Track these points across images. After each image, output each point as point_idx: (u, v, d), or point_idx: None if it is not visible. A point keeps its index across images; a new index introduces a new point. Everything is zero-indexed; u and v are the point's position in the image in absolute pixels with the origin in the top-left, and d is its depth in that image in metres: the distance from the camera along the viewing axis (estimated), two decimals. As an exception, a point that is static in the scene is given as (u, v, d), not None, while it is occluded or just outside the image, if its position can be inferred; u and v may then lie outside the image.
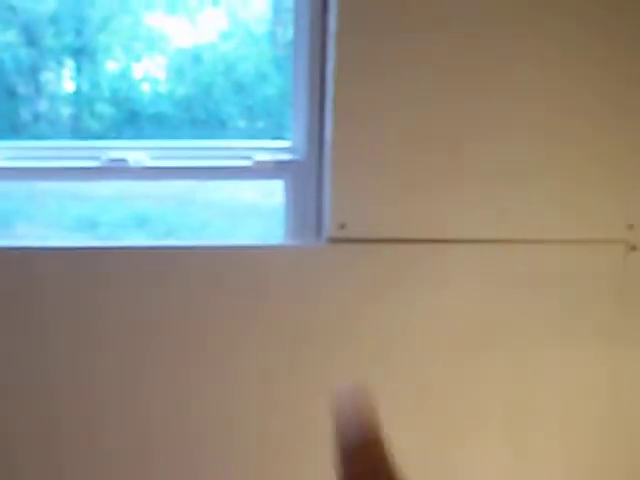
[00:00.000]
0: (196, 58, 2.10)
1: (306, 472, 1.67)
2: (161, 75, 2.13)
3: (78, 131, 1.98)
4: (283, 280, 1.58)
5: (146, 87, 2.11)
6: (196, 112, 2.09)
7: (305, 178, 1.61)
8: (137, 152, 1.55)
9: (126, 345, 1.57)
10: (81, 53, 2.06)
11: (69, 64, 2.06)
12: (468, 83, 1.54)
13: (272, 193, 1.85)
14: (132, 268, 1.55)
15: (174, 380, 1.60)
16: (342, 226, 1.57)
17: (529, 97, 1.56)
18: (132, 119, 2.04)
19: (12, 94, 1.98)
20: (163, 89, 2.11)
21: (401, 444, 1.65)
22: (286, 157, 1.61)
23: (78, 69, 2.07)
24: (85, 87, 2.07)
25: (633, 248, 1.63)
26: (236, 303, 1.58)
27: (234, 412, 1.64)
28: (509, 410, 1.70)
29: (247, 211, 2.11)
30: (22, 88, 2.01)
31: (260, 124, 2.11)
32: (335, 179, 1.55)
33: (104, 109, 2.05)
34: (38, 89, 2.04)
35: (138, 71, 2.09)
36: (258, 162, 1.59)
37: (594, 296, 1.65)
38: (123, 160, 1.53)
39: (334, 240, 1.58)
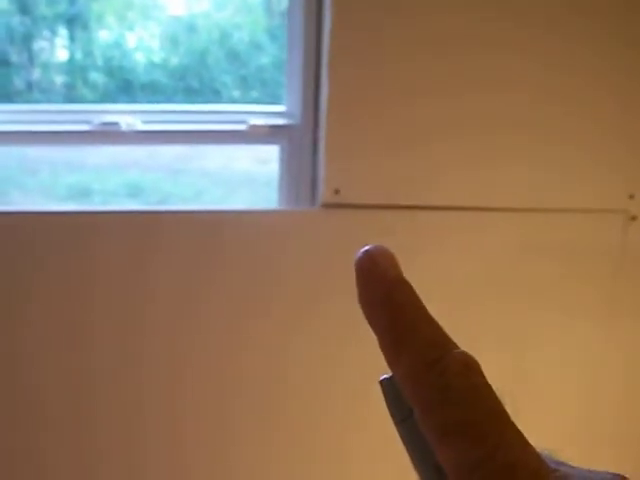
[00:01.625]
0: (190, 27, 2.09)
1: (291, 431, 1.68)
2: (155, 44, 2.12)
3: (72, 100, 1.96)
4: (277, 244, 1.58)
5: (140, 56, 2.09)
6: (190, 81, 2.08)
7: (299, 143, 1.60)
8: (129, 116, 1.54)
9: (120, 308, 1.57)
10: (74, 22, 2.04)
11: (62, 33, 2.05)
12: (466, 43, 1.53)
13: (266, 161, 1.85)
14: (125, 233, 1.54)
15: (169, 344, 1.60)
16: (336, 191, 1.56)
17: (531, 58, 1.55)
18: (126, 88, 2.03)
19: (5, 63, 1.96)
20: (157, 58, 2.10)
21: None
22: (281, 122, 1.60)
23: (71, 38, 2.05)
24: (78, 56, 2.05)
25: (633, 218, 1.63)
26: (230, 268, 1.57)
27: (230, 376, 1.64)
28: (504, 380, 1.69)
29: (241, 179, 2.11)
30: (15, 56, 1.99)
31: (254, 93, 2.10)
32: (329, 145, 1.55)
33: (98, 78, 2.04)
34: (31, 58, 2.03)
35: (132, 40, 2.07)
36: (252, 126, 1.58)
37: (593, 266, 1.64)
38: (115, 124, 1.51)
39: (328, 205, 1.57)
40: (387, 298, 0.29)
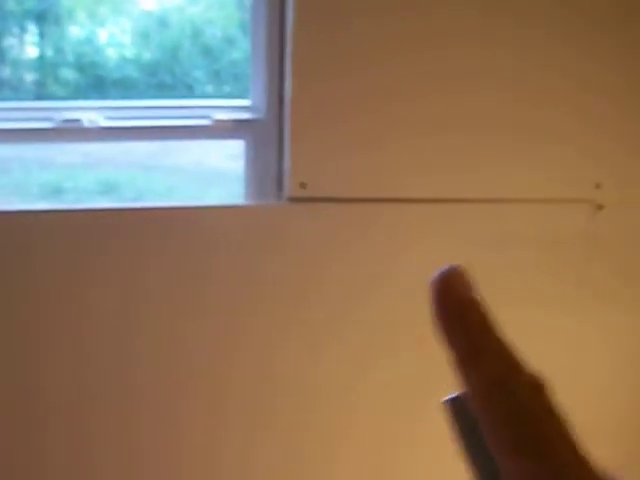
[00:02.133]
0: (162, 22, 2.07)
1: (272, 422, 1.67)
2: (126, 39, 2.10)
3: (43, 97, 1.95)
4: (244, 240, 1.56)
5: (111, 52, 2.08)
6: (163, 77, 2.06)
7: (265, 137, 1.58)
8: (92, 112, 1.52)
9: (106, 303, 1.55)
10: (44, 17, 2.03)
11: (32, 29, 2.03)
12: (430, 37, 1.52)
13: (239, 156, 1.83)
14: (95, 230, 1.53)
15: (132, 339, 1.58)
16: (303, 185, 1.54)
17: (495, 50, 1.53)
18: (97, 84, 2.01)
19: (-26, 60, 1.95)
20: (129, 53, 2.08)
21: (372, 397, 1.64)
22: (246, 116, 1.58)
23: (41, 34, 2.03)
24: (49, 52, 2.04)
25: (600, 207, 1.61)
26: (197, 263, 1.56)
27: (197, 367, 1.62)
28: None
29: (214, 175, 2.09)
30: (-16, 54, 1.97)
31: (227, 88, 2.08)
32: (295, 138, 1.53)
33: (69, 74, 2.02)
34: (1, 55, 2.01)
35: (103, 35, 2.05)
36: (217, 121, 1.56)
37: (562, 255, 1.63)
38: (78, 121, 1.50)
39: (295, 199, 1.55)
40: (461, 318, 0.30)
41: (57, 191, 2.05)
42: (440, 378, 1.68)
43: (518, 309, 1.64)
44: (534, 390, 0.28)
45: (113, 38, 2.08)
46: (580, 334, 1.66)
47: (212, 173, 2.07)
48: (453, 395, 0.31)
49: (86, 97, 1.88)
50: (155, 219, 1.55)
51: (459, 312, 0.30)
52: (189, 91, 2.01)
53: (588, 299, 1.64)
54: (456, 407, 0.31)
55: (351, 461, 1.70)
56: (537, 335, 1.66)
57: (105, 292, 1.56)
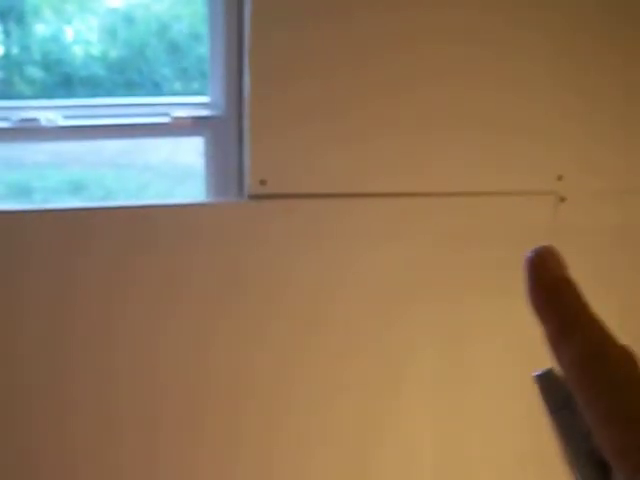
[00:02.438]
0: (128, 19, 2.06)
1: (244, 430, 1.66)
2: (93, 37, 2.09)
3: (9, 96, 1.94)
4: (205, 238, 1.55)
5: (78, 50, 2.06)
6: (130, 74, 2.05)
7: (225, 134, 1.57)
8: (50, 111, 1.51)
9: (55, 305, 1.54)
10: (9, 15, 2.01)
11: (-3, 27, 2.02)
12: (390, 34, 1.51)
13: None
14: (56, 231, 1.52)
15: (99, 337, 1.58)
16: (263, 182, 1.54)
17: (454, 44, 1.52)
18: (64, 82, 2.00)
19: (-62, 60, 1.94)
20: (96, 51, 2.07)
21: (334, 395, 1.64)
22: (205, 113, 1.57)
23: (6, 32, 2.02)
24: (14, 51, 2.02)
25: (562, 199, 1.60)
26: (158, 262, 1.55)
27: (163, 369, 1.62)
28: (442, 363, 1.68)
29: (186, 173, 2.08)
30: (-52, 53, 1.96)
31: (195, 85, 2.07)
32: (254, 135, 1.52)
33: (35, 73, 2.01)
34: (-34, 54, 2.00)
35: (69, 33, 2.04)
36: (176, 119, 1.55)
37: (525, 248, 1.61)
38: (35, 120, 1.49)
39: (255, 196, 1.55)
40: (556, 294, 0.32)
41: (26, 191, 2.04)
42: (404, 373, 1.69)
43: (482, 300, 1.64)
44: (627, 362, 0.30)
45: (79, 36, 2.07)
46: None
47: (183, 171, 2.06)
48: (544, 370, 0.33)
49: (53, 96, 1.87)
50: (115, 218, 1.54)
51: (554, 288, 0.32)
52: (156, 89, 2.00)
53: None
54: (548, 381, 0.32)
55: (328, 455, 1.70)
56: (501, 326, 1.66)
57: (61, 288, 1.55)
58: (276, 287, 1.59)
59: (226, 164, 1.58)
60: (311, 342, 1.62)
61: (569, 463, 0.31)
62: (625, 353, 0.30)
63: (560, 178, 1.59)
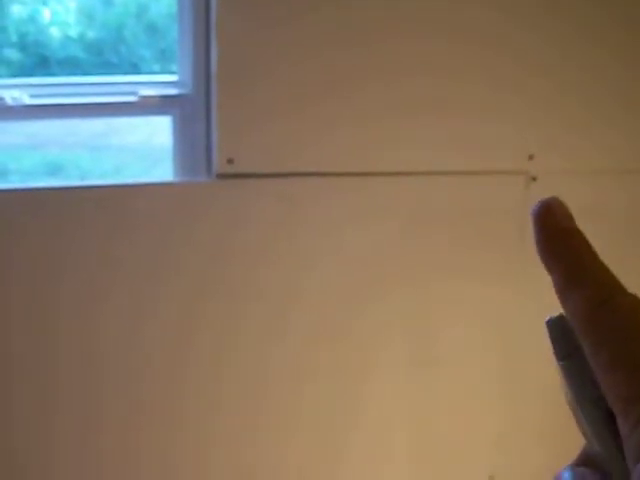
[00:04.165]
0: (106, 0, 2.05)
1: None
2: (70, 18, 2.08)
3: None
4: (173, 217, 1.55)
5: (55, 31, 2.05)
6: (108, 56, 2.04)
7: (192, 113, 1.56)
8: (15, 90, 1.50)
9: (34, 285, 1.54)
10: (-16, -3, 2.00)
11: (-27, 9, 2.01)
12: (365, 16, 1.49)
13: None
14: (30, 210, 1.51)
15: (82, 319, 1.57)
16: (230, 161, 1.53)
17: (426, 27, 1.51)
18: (42, 64, 1.99)
19: None
20: (73, 33, 2.05)
21: (306, 379, 1.63)
22: (172, 91, 1.56)
23: (-17, 13, 2.01)
24: (-9, 32, 2.01)
25: (534, 178, 1.59)
26: (127, 242, 1.54)
27: (139, 350, 1.61)
28: (412, 346, 1.66)
29: (164, 153, 2.07)
30: None
31: (174, 66, 2.06)
32: (220, 114, 1.51)
33: (12, 54, 2.00)
34: (-58, 35, 1.99)
35: (46, 14, 2.03)
36: (143, 97, 1.54)
37: (496, 228, 1.61)
38: (0, 99, 1.48)
39: (223, 176, 1.53)
40: (563, 243, 0.32)
41: (1, 173, 2.03)
42: (375, 355, 1.67)
43: (453, 282, 1.62)
44: (635, 310, 0.29)
45: (57, 17, 2.05)
46: (515, 305, 1.64)
47: (160, 151, 2.05)
48: (555, 316, 0.32)
49: (30, 77, 1.86)
50: (86, 198, 1.54)
51: (562, 237, 0.32)
52: (135, 70, 1.99)
53: (522, 270, 1.61)
54: (558, 328, 0.32)
55: (301, 440, 1.69)
56: (473, 308, 1.65)
57: (35, 269, 1.54)
58: (244, 268, 1.58)
59: (194, 143, 1.57)
60: (280, 325, 1.61)
61: (575, 411, 0.31)
62: (633, 302, 0.30)
63: (531, 158, 1.57)
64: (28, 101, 1.51)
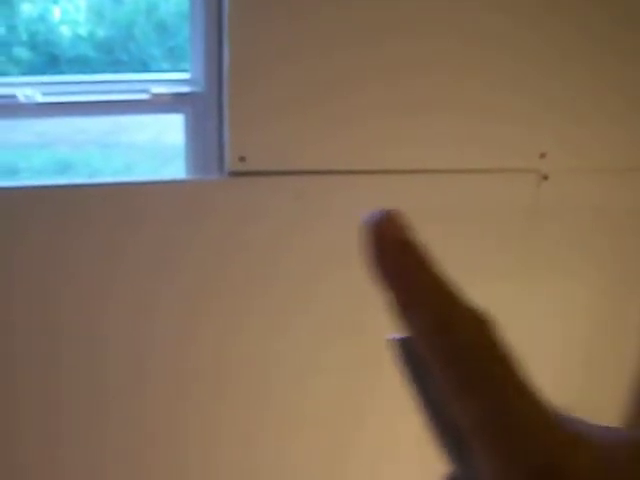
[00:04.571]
0: (116, -2, 2.05)
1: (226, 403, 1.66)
2: (80, 17, 2.08)
3: (-5, 75, 1.93)
4: (184, 215, 1.55)
5: (65, 29, 2.06)
6: (118, 54, 2.04)
7: (205, 111, 1.56)
8: (29, 88, 1.51)
9: (43, 283, 1.54)
10: (-4, -5, 2.00)
11: (-17, 7, 2.01)
12: (375, 14, 1.49)
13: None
14: (38, 206, 1.52)
15: (91, 317, 1.57)
16: (242, 159, 1.53)
17: (440, 26, 1.50)
18: (52, 62, 2.00)
19: None
20: (83, 31, 2.06)
21: (316, 375, 1.63)
22: (185, 89, 1.56)
23: (-7, 12, 2.02)
24: (2, 31, 2.02)
25: (545, 177, 1.59)
26: (138, 239, 1.54)
27: (149, 348, 1.62)
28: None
29: (173, 152, 2.08)
30: None
31: (184, 65, 2.06)
32: (233, 112, 1.51)
33: (22, 53, 2.00)
34: (-47, 34, 2.00)
35: (56, 13, 2.04)
36: (155, 95, 1.54)
37: (508, 226, 1.61)
38: (13, 97, 1.48)
39: (235, 173, 1.54)
40: (399, 259, 0.28)
41: (12, 171, 2.04)
42: (380, 355, 1.67)
43: (464, 281, 1.62)
44: (478, 327, 0.27)
45: (67, 15, 2.06)
46: (526, 304, 1.64)
47: (170, 149, 2.06)
48: (403, 336, 0.29)
49: (40, 75, 1.87)
50: (97, 196, 1.54)
51: (396, 253, 0.28)
52: (144, 68, 1.99)
53: (533, 269, 1.62)
54: (406, 349, 0.29)
55: (309, 437, 1.69)
56: (482, 305, 1.65)
57: (47, 267, 1.55)
58: (256, 265, 1.58)
59: (206, 141, 1.57)
60: (292, 321, 1.61)
61: (434, 435, 0.29)
62: (475, 319, 0.27)
63: (543, 156, 1.57)
64: (41, 99, 1.51)
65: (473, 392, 0.26)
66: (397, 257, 0.28)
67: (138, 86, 1.57)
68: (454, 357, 0.27)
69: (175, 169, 2.05)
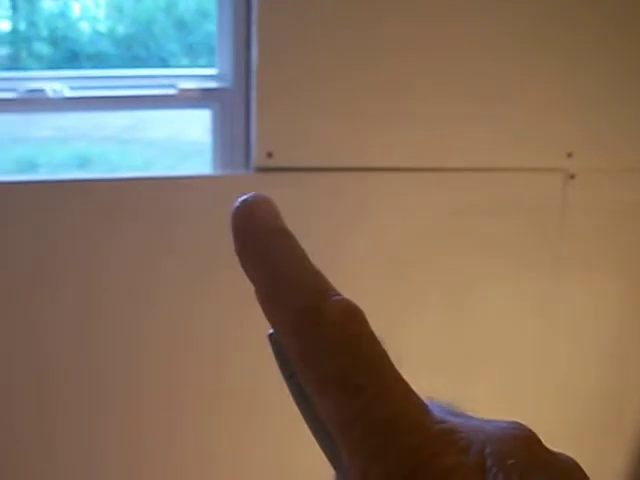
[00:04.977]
0: (135, -5, 2.05)
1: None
2: (100, 13, 2.08)
3: (16, 71, 1.93)
4: (211, 210, 1.55)
5: (85, 26, 2.06)
6: (137, 50, 2.04)
7: (232, 106, 1.56)
8: (57, 83, 1.51)
9: (75, 275, 1.54)
10: (16, -9, 2.01)
11: (4, 3, 2.01)
12: (399, 2, 1.50)
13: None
14: (65, 201, 1.51)
15: (117, 311, 1.57)
16: (269, 155, 1.53)
17: (468, 18, 1.51)
18: (72, 58, 2.00)
19: (-54, 35, 1.93)
20: (103, 27, 2.06)
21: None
22: (212, 85, 1.56)
23: (14, 8, 2.02)
24: (22, 26, 2.02)
25: (572, 176, 1.59)
26: (164, 234, 1.54)
27: (160, 344, 1.62)
28: (452, 336, 1.67)
29: (192, 147, 2.08)
30: (-44, 29, 1.96)
31: (203, 61, 2.06)
32: (260, 107, 1.51)
33: (42, 49, 2.00)
34: (-27, 29, 1.99)
35: (76, 9, 2.04)
36: (183, 90, 1.54)
37: (535, 224, 1.61)
38: (41, 91, 1.48)
39: (262, 169, 1.54)
40: (263, 249, 0.27)
41: (32, 166, 2.04)
42: (407, 355, 1.68)
43: (493, 277, 1.63)
44: (342, 319, 0.25)
45: (86, 11, 2.06)
46: (554, 302, 1.65)
47: (189, 145, 2.06)
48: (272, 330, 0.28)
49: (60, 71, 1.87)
50: (122, 190, 1.54)
51: (262, 242, 0.28)
52: (164, 65, 1.99)
53: (560, 268, 1.63)
54: (276, 344, 0.27)
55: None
56: (512, 304, 1.65)
57: (76, 261, 1.55)
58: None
59: (233, 136, 1.57)
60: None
61: (309, 430, 0.27)
62: (343, 308, 0.25)
63: (570, 155, 1.58)
64: (68, 94, 1.51)
65: (336, 388, 0.24)
66: (264, 245, 0.28)
67: (165, 81, 1.57)
68: (317, 349, 0.25)
69: (194, 166, 2.05)
